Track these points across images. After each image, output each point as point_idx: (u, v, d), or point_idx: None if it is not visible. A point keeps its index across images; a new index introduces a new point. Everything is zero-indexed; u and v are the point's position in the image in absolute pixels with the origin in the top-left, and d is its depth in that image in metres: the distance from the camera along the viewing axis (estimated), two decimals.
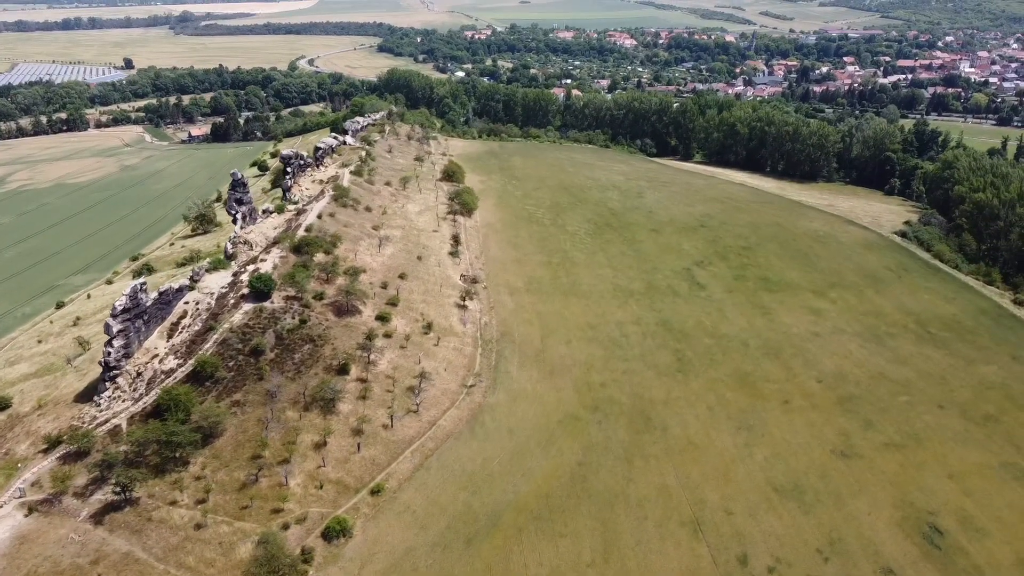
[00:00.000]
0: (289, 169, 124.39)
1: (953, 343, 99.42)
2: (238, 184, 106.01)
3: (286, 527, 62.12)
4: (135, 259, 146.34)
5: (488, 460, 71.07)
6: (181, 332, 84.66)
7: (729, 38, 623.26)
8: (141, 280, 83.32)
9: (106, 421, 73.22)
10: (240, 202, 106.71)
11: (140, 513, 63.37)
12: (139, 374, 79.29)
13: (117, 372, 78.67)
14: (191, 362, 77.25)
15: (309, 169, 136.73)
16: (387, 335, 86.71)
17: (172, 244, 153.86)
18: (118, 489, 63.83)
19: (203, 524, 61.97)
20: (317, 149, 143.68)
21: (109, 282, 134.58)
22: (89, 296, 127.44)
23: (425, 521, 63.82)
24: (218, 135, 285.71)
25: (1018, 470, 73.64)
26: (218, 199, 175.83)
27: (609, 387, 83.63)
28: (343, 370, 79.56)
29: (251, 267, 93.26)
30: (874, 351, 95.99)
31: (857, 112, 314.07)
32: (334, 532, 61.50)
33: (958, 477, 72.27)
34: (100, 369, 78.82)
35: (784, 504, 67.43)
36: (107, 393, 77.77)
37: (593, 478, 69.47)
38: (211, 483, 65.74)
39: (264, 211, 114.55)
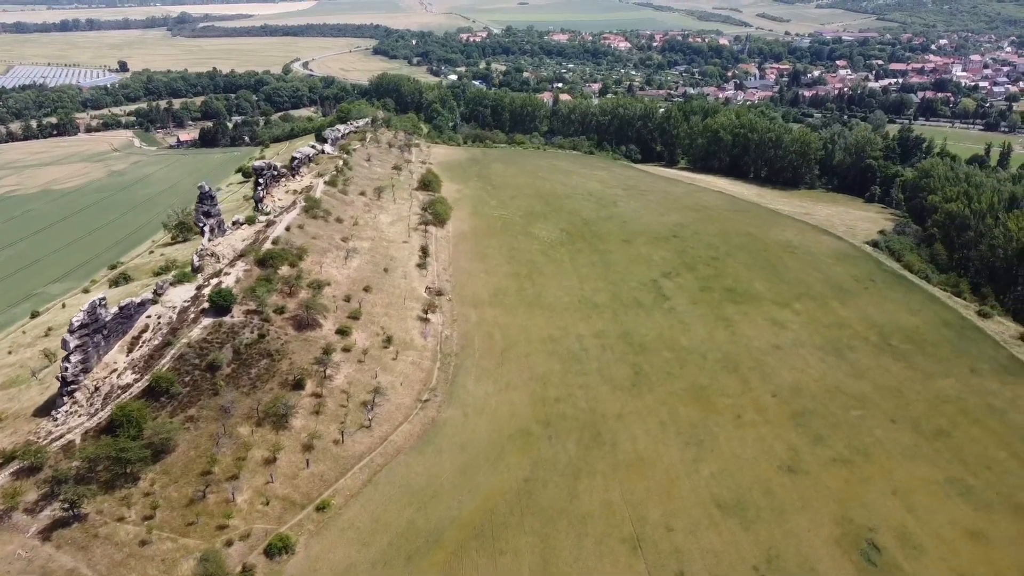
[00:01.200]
0: (261, 180, 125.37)
1: (913, 356, 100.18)
2: (205, 197, 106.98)
3: (229, 544, 63.01)
4: (114, 267, 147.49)
5: (436, 476, 71.99)
6: (141, 347, 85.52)
7: (723, 41, 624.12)
8: (100, 296, 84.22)
9: (61, 436, 73.99)
10: (208, 215, 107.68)
11: (87, 529, 64.25)
12: (97, 389, 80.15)
13: (75, 387, 79.51)
14: (147, 377, 78.16)
15: (284, 179, 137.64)
16: (346, 349, 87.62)
17: (152, 252, 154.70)
18: (66, 505, 64.75)
19: (148, 540, 62.86)
20: (293, 159, 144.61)
21: (86, 291, 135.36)
22: (64, 305, 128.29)
23: (368, 538, 64.74)
24: (206, 140, 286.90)
25: (963, 486, 74.48)
26: None
27: (563, 402, 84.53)
28: (298, 385, 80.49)
29: (215, 280, 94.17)
30: (833, 364, 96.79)
31: (845, 117, 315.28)
32: (276, 549, 62.41)
33: (902, 493, 73.09)
34: None
35: (725, 521, 68.26)
36: (65, 408, 78.64)
37: (538, 494, 70.36)
38: (159, 499, 66.63)
39: (234, 223, 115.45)
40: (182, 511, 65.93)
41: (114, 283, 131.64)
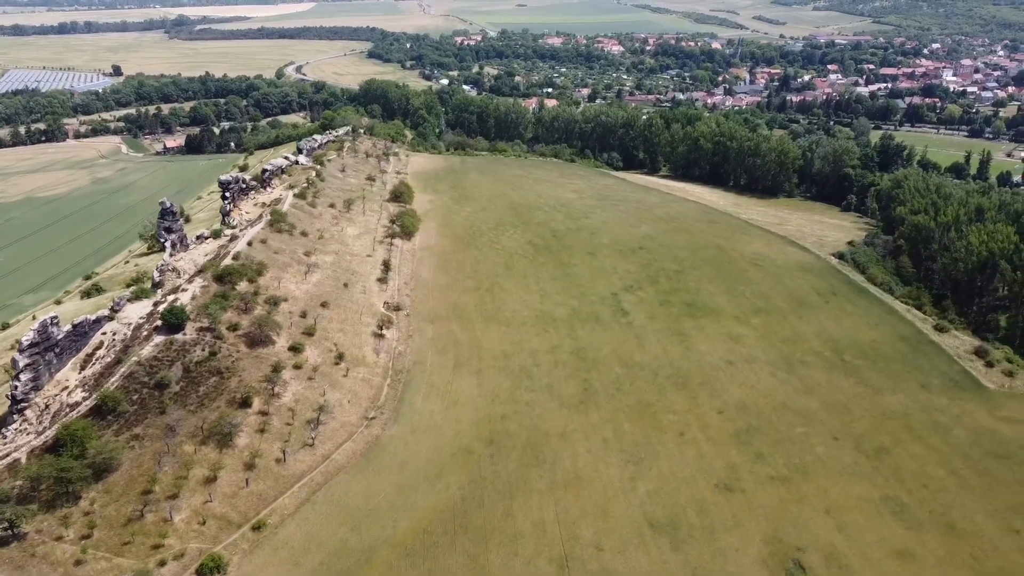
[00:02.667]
0: (228, 194, 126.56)
1: (865, 371, 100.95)
2: (167, 213, 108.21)
3: (163, 563, 64.11)
4: (89, 278, 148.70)
5: (373, 495, 73.06)
6: (94, 364, 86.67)
7: (716, 45, 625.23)
8: (52, 314, 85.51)
9: (7, 455, 75.12)
10: (169, 230, 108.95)
11: (25, 548, 65.39)
12: (47, 406, 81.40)
13: (25, 405, 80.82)
14: (94, 396, 79.23)
15: (254, 192, 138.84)
16: (297, 366, 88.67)
17: (127, 262, 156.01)
18: (5, 525, 65.89)
19: (83, 560, 63.99)
20: (264, 171, 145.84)
21: (58, 302, 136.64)
22: (34, 317, 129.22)
23: (300, 557, 65.83)
24: (192, 147, 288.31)
25: (897, 504, 75.37)
26: (180, 214, 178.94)
27: (509, 419, 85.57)
28: (245, 403, 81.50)
29: (171, 297, 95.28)
30: (783, 380, 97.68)
31: (831, 123, 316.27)
32: (208, 568, 63.44)
33: (835, 511, 73.98)
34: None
35: (656, 540, 69.26)
36: (14, 426, 79.88)
37: (473, 513, 71.40)
38: (97, 519, 67.74)
39: (198, 237, 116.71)
40: (119, 531, 67.03)
41: (86, 294, 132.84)
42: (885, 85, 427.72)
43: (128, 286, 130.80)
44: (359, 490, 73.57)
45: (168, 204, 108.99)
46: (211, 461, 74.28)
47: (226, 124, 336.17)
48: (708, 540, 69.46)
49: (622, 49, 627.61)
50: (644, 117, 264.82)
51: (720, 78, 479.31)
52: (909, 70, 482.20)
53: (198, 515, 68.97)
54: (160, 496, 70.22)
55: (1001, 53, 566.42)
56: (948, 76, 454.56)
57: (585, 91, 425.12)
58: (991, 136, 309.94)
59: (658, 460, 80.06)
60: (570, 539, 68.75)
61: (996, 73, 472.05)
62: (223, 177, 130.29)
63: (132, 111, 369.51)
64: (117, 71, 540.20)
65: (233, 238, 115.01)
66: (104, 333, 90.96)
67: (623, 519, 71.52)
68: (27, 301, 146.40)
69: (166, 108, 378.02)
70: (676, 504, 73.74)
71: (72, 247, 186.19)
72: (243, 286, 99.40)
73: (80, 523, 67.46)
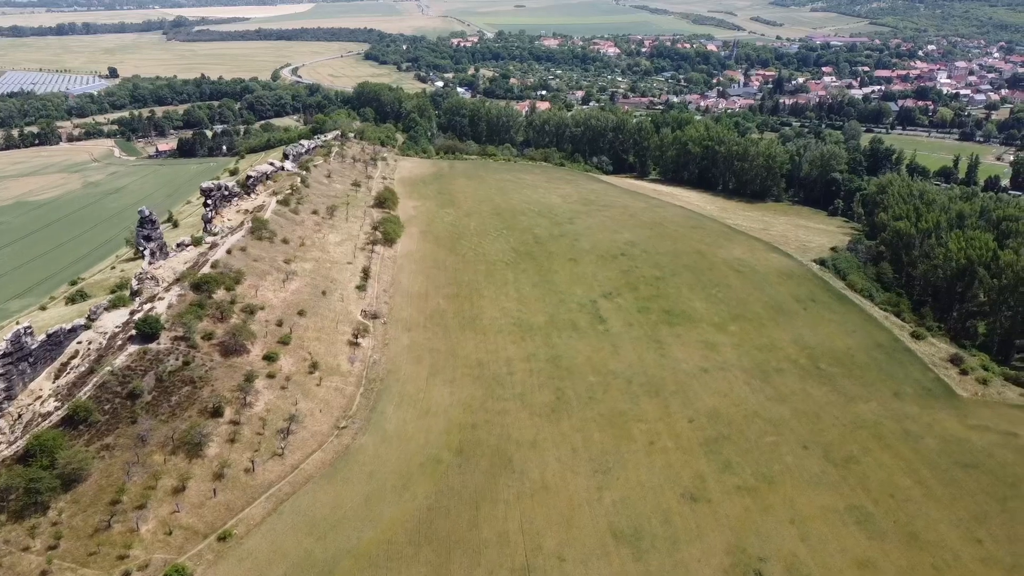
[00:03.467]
0: (210, 201, 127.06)
1: (839, 379, 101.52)
2: (146, 221, 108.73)
3: (127, 574, 64.68)
4: (74, 283, 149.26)
5: (340, 505, 73.60)
6: (68, 373, 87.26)
7: (711, 47, 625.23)
8: (25, 324, 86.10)
9: None
10: (148, 238, 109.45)
11: None
12: (19, 416, 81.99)
13: None
14: (66, 406, 79.79)
15: (237, 198, 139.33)
16: (270, 375, 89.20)
17: (113, 268, 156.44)
18: None
19: (48, 571, 64.58)
20: (248, 177, 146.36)
21: (43, 308, 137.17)
22: (18, 323, 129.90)
23: (264, 568, 66.36)
24: (184, 150, 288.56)
25: (862, 513, 75.97)
26: (168, 219, 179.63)
27: (479, 428, 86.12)
28: (217, 412, 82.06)
29: (148, 306, 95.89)
30: (757, 388, 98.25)
31: (823, 126, 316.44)
32: None
33: (800, 521, 74.58)
34: None
35: (619, 550, 69.82)
36: None
37: (439, 523, 71.97)
38: (64, 529, 68.33)
39: (179, 244, 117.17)
40: (86, 541, 67.58)
41: (71, 300, 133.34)
42: (879, 88, 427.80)
43: (112, 292, 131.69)
44: (326, 500, 74.11)
45: (147, 212, 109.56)
46: (180, 471, 74.86)
47: (219, 127, 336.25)
48: (670, 550, 70.03)
49: (618, 51, 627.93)
50: (634, 121, 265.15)
51: (715, 80, 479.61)
52: (903, 72, 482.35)
53: (165, 525, 69.53)
54: (128, 506, 70.75)
55: (996, 55, 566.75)
56: (942, 78, 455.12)
57: (579, 93, 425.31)
58: (982, 139, 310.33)
59: (626, 469, 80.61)
60: (533, 549, 69.32)
61: (990, 75, 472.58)
62: (205, 184, 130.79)
63: (126, 114, 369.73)
64: (113, 73, 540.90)
65: (213, 246, 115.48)
66: (80, 342, 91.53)
67: (587, 529, 72.08)
68: (13, 306, 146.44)
69: (160, 111, 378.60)
70: (641, 514, 74.29)
71: (61, 252, 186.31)
72: (220, 294, 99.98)
73: (47, 533, 68.02)
